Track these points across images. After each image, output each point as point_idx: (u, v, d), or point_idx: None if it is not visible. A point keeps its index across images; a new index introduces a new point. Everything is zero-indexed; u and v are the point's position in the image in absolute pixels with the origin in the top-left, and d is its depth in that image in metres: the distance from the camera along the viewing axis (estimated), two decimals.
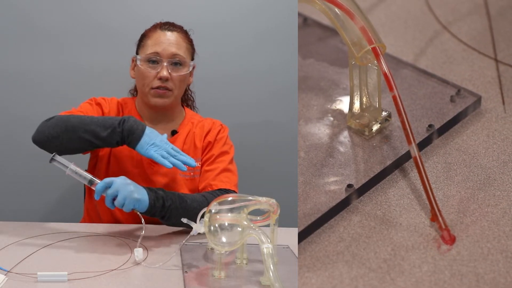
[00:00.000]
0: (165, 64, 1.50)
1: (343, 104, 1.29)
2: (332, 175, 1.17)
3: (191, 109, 1.72)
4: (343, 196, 1.13)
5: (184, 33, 1.57)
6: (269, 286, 1.02)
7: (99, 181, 1.28)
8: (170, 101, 1.53)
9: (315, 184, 1.16)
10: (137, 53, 1.56)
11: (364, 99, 1.23)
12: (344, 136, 1.24)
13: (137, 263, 1.20)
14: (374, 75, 1.20)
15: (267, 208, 1.16)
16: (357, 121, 1.23)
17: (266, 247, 1.02)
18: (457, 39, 1.41)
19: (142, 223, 1.28)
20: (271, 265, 1.00)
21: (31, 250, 1.23)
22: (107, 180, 1.28)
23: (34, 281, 1.07)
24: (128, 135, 1.36)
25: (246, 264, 1.20)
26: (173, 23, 1.58)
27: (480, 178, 1.17)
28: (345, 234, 1.11)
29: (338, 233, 1.11)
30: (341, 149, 1.21)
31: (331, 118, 1.27)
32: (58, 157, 1.30)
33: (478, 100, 1.28)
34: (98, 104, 1.56)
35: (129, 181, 1.30)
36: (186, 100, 1.72)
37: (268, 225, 1.18)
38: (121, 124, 1.36)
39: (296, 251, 1.23)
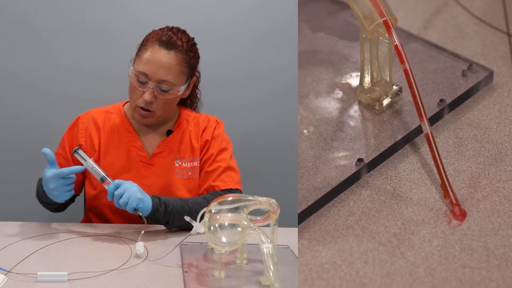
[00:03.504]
0: (151, 87, 1.43)
1: (353, 78, 1.28)
2: (342, 149, 1.16)
3: (193, 109, 1.67)
4: (353, 170, 1.13)
5: (184, 53, 1.46)
6: (269, 286, 1.01)
7: (111, 181, 1.35)
8: (153, 120, 1.51)
9: (325, 158, 1.15)
10: (136, 55, 1.48)
11: (375, 73, 1.22)
12: (354, 111, 1.23)
13: (137, 261, 1.20)
14: (385, 49, 1.18)
15: (267, 208, 1.16)
16: (368, 95, 1.22)
17: (266, 247, 1.02)
18: (469, 13, 1.40)
19: (143, 222, 1.30)
20: (271, 265, 1.00)
21: (31, 250, 1.23)
22: (117, 181, 1.35)
23: (34, 281, 1.06)
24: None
25: (246, 264, 1.20)
26: (176, 38, 1.46)
27: (492, 153, 1.17)
28: (355, 208, 1.11)
29: (348, 207, 1.11)
30: (351, 123, 1.21)
31: (341, 92, 1.26)
32: (80, 151, 1.40)
33: (490, 75, 1.26)
34: (75, 127, 1.56)
35: (135, 184, 1.36)
36: (185, 102, 1.66)
37: (268, 225, 1.18)
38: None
39: (296, 250, 1.24)
